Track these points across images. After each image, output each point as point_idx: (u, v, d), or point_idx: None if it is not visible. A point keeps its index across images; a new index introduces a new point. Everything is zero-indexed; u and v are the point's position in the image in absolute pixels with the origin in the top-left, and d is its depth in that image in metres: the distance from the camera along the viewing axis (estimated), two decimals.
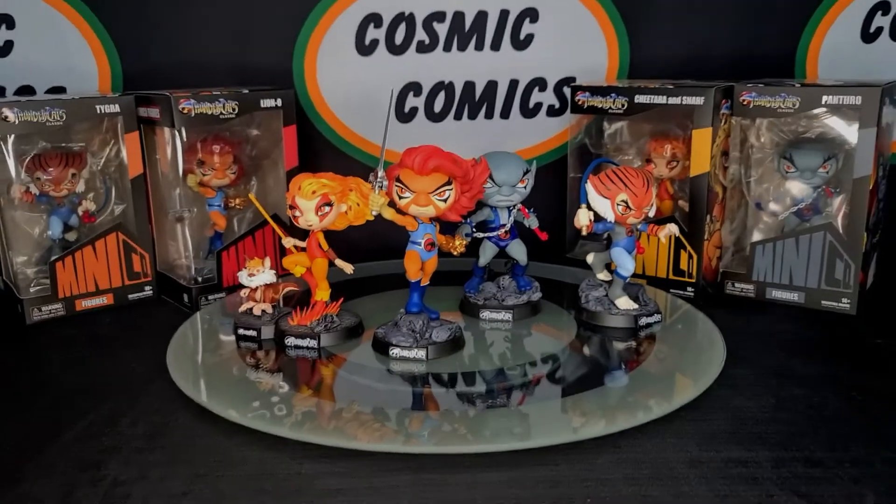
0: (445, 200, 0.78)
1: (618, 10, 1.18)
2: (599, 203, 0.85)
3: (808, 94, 0.94)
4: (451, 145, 0.80)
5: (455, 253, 0.84)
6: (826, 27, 1.19)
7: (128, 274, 1.03)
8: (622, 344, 0.86)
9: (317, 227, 0.82)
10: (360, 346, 0.85)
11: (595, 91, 1.04)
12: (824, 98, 0.93)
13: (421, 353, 0.79)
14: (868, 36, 1.18)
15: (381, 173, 0.78)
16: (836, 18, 1.18)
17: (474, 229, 0.91)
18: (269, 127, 1.08)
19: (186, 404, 0.72)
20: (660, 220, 0.96)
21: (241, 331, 0.86)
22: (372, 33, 1.18)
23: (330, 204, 0.80)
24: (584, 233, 0.86)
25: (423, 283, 0.83)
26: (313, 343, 0.83)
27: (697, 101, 0.95)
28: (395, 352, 0.80)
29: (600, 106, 1.04)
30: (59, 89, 1.14)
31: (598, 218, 0.86)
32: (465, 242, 0.84)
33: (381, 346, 0.82)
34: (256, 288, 0.88)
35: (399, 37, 1.18)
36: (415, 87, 1.20)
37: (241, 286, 0.89)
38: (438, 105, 1.21)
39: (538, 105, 1.23)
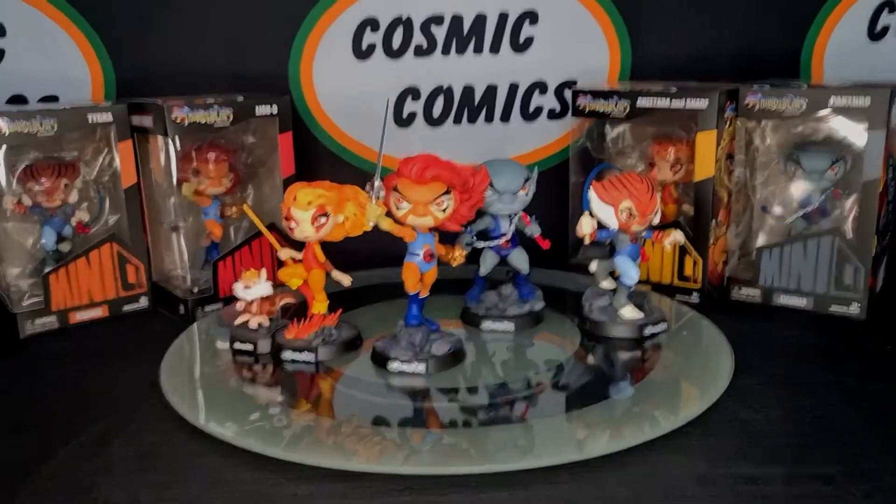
0: (444, 210, 0.76)
1: (618, 10, 1.17)
2: (602, 210, 0.83)
3: (816, 96, 0.93)
4: (450, 150, 0.78)
5: (454, 265, 0.82)
6: (832, 25, 1.17)
7: (122, 285, 1.01)
8: (627, 354, 0.84)
9: (313, 239, 0.80)
10: (358, 359, 0.83)
11: (597, 95, 1.02)
12: (832, 100, 0.91)
13: (421, 368, 0.78)
14: (874, 34, 1.16)
15: (377, 183, 0.76)
16: (841, 16, 1.16)
17: (475, 238, 0.89)
18: (264, 134, 1.06)
19: (181, 422, 0.70)
20: (663, 225, 0.94)
21: (237, 344, 0.84)
22: (369, 37, 1.16)
23: (326, 215, 0.78)
24: (586, 241, 0.84)
25: (423, 295, 0.81)
26: (311, 357, 0.81)
27: (702, 104, 0.93)
28: (393, 366, 0.78)
29: (602, 110, 1.02)
30: (52, 98, 1.12)
31: (601, 225, 0.84)
32: (464, 253, 0.82)
33: (380, 360, 0.80)
34: (253, 300, 0.86)
35: (397, 41, 1.16)
36: (413, 92, 1.18)
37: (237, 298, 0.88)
38: (437, 110, 1.19)
39: (539, 108, 1.21)
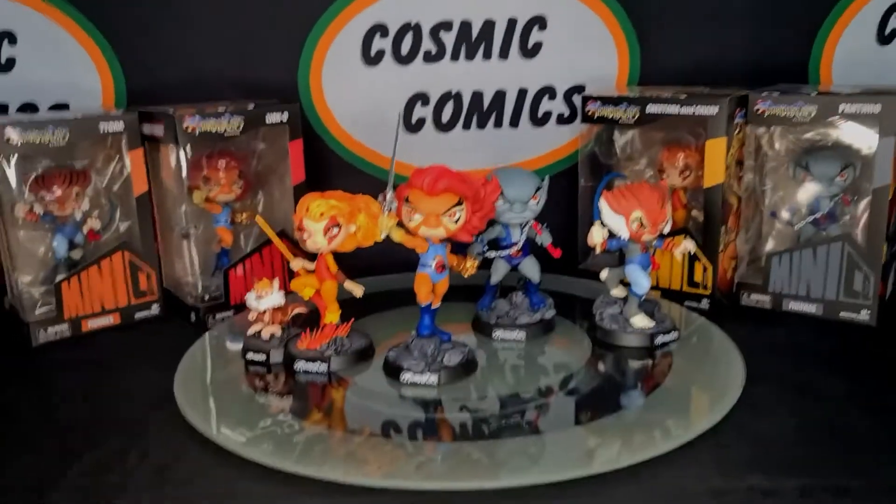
0: (456, 221, 0.76)
1: (628, 16, 1.16)
2: (613, 220, 0.83)
3: (825, 103, 0.92)
4: (459, 155, 0.78)
5: (465, 275, 0.82)
6: (841, 29, 1.16)
7: (134, 292, 1.01)
8: (638, 363, 0.84)
9: (325, 250, 0.80)
10: (370, 369, 0.83)
11: (606, 101, 1.02)
12: (842, 107, 0.91)
13: (433, 379, 0.78)
14: (884, 38, 1.16)
15: (389, 195, 0.76)
16: (850, 20, 1.16)
17: (486, 248, 0.89)
18: (274, 140, 1.06)
19: (194, 434, 0.71)
20: (673, 231, 0.94)
21: (249, 355, 0.85)
22: (378, 43, 1.16)
23: (338, 226, 0.79)
24: (597, 251, 0.84)
25: (435, 306, 0.81)
26: (323, 367, 0.82)
27: (711, 111, 0.93)
28: (405, 377, 0.79)
29: (611, 116, 1.02)
30: (63, 106, 1.12)
31: (611, 235, 0.84)
32: (476, 263, 0.82)
33: (392, 370, 0.80)
34: (265, 310, 0.86)
35: (406, 47, 1.16)
36: (422, 98, 1.18)
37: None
38: (447, 115, 1.19)
39: (548, 114, 1.21)
